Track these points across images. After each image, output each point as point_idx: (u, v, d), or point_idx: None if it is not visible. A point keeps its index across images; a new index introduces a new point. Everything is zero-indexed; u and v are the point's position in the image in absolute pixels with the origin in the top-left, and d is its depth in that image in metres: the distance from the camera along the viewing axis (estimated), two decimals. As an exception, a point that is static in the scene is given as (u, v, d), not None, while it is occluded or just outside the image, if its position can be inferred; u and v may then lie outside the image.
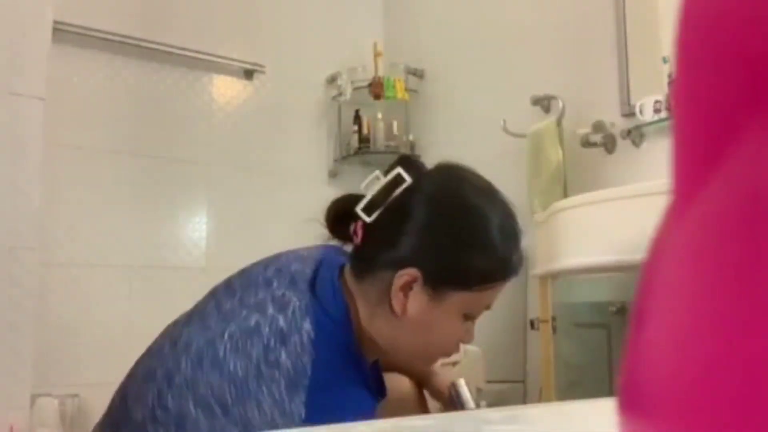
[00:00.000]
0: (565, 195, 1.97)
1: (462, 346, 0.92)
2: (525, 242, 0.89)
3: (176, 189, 2.61)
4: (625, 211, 1.45)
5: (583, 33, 2.17)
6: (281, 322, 0.82)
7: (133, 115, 2.54)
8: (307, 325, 0.82)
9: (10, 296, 1.28)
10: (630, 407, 0.19)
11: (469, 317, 0.87)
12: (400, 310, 0.84)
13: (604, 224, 1.52)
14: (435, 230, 0.85)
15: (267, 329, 0.81)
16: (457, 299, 0.84)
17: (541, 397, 1.88)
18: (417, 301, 0.84)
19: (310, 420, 0.76)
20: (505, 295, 0.88)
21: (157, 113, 2.58)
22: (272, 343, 0.81)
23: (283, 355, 0.79)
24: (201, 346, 0.83)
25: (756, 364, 0.14)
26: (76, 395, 2.12)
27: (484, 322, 0.90)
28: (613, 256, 1.43)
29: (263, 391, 0.78)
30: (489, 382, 1.99)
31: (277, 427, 0.76)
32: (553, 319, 1.83)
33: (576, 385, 1.81)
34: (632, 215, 1.40)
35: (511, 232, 0.87)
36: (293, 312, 0.83)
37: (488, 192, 0.89)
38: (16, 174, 1.30)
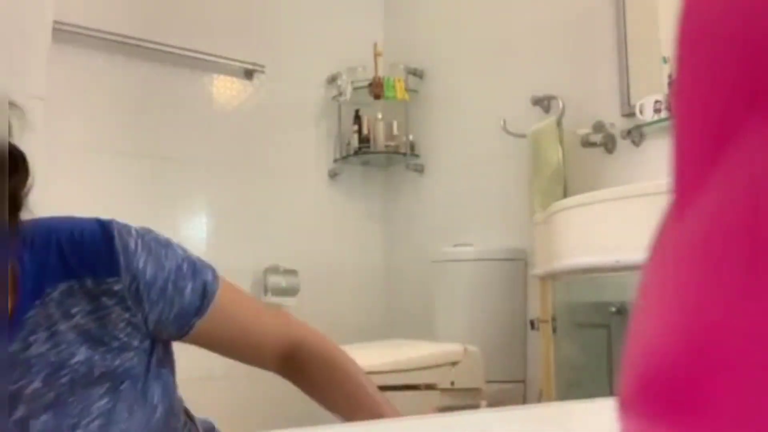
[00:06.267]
0: (565, 195, 1.97)
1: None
2: None
3: (176, 189, 2.61)
4: (625, 211, 1.45)
5: (583, 33, 2.17)
6: None
7: (133, 115, 2.54)
8: None
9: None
10: (631, 407, 0.19)
11: None
12: None
13: (604, 224, 1.51)
14: None
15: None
16: None
17: (541, 397, 1.88)
18: None
19: None
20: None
21: (157, 113, 2.58)
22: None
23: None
24: None
25: (763, 361, 0.14)
26: (76, 395, 2.12)
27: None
28: (613, 256, 1.43)
29: None
30: (489, 382, 1.99)
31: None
32: (553, 319, 1.83)
33: (576, 385, 1.81)
34: (632, 215, 1.40)
35: None
36: None
37: None
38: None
